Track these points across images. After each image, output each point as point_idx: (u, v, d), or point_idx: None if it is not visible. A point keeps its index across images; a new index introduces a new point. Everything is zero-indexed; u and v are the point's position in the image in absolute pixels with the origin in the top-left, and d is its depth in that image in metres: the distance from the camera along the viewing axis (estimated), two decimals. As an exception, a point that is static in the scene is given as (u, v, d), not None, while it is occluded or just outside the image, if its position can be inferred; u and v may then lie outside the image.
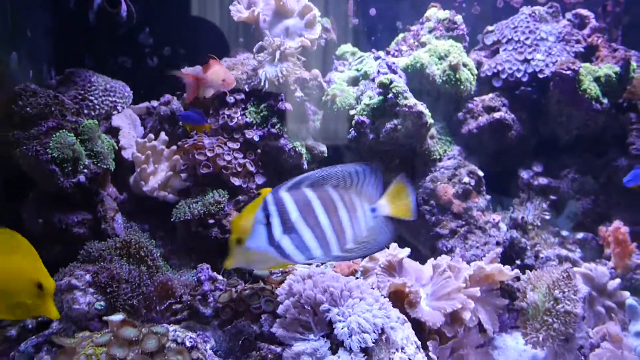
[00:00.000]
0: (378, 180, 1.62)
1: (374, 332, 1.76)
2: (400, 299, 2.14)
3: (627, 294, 2.45)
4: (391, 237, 1.56)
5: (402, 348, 1.92)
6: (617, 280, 2.44)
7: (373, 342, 1.76)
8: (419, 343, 2.01)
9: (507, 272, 2.22)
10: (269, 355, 2.00)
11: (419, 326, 2.11)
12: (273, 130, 2.68)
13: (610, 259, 2.68)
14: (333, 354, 1.76)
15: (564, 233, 2.85)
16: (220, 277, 2.29)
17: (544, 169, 2.98)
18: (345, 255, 1.54)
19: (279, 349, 1.98)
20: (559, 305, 2.07)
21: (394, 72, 2.76)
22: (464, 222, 2.66)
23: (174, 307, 2.23)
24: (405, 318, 2.04)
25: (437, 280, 2.25)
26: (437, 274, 2.26)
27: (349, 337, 1.73)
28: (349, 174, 1.57)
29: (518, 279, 2.28)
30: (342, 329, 1.73)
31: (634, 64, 2.97)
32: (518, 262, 2.40)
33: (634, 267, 2.63)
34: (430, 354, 2.07)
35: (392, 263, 2.26)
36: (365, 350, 1.75)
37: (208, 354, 1.85)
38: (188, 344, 1.80)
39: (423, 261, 2.39)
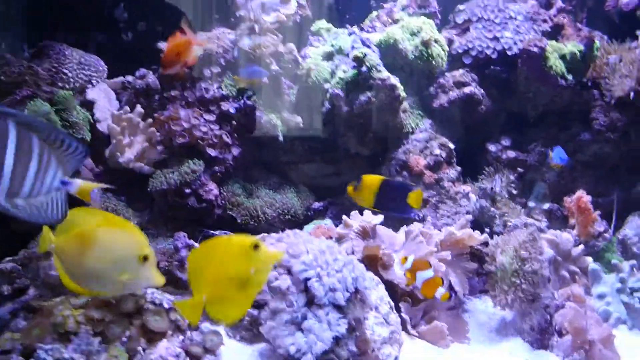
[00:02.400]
0: (79, 161, 1.55)
1: (347, 291, 1.78)
2: (374, 263, 2.17)
3: (589, 259, 2.52)
4: (61, 218, 1.50)
5: (376, 307, 1.95)
6: (581, 247, 2.51)
7: (347, 301, 1.78)
8: (393, 304, 2.04)
9: (477, 237, 2.26)
10: (246, 317, 2.01)
11: (392, 289, 2.15)
12: (249, 102, 2.68)
13: (574, 229, 2.74)
14: (309, 311, 1.77)
15: (531, 204, 2.91)
16: (197, 244, 2.29)
17: (512, 142, 3.03)
18: (5, 205, 1.40)
19: (255, 312, 1.99)
20: (526, 266, 2.12)
21: (368, 47, 2.78)
22: (435, 192, 2.70)
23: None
24: (379, 280, 2.07)
25: (409, 245, 2.28)
26: (409, 240, 2.29)
27: (324, 295, 1.74)
28: (61, 137, 1.49)
29: (487, 244, 2.32)
30: (317, 287, 1.75)
31: (597, 42, 3.03)
32: (487, 230, 2.44)
33: (596, 234, 2.70)
34: (402, 314, 2.11)
35: (366, 229, 2.29)
36: (339, 308, 1.77)
37: (186, 316, 1.84)
38: (166, 305, 1.80)
39: (397, 231, 2.41)
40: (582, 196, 2.63)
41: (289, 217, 2.69)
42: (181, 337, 1.81)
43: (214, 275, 1.36)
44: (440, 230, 2.32)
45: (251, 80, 2.67)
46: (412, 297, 2.18)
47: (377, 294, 1.98)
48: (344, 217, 2.36)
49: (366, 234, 2.29)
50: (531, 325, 2.17)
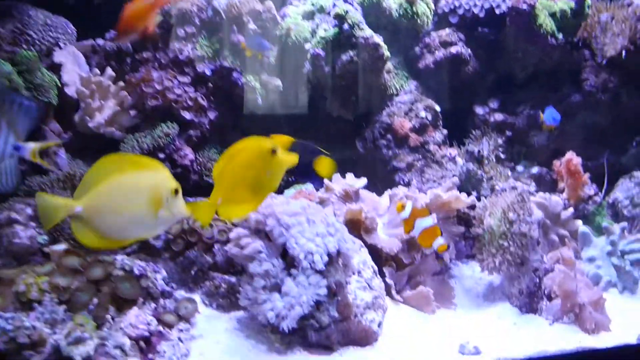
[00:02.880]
0: (33, 121, 1.50)
1: (328, 254, 1.71)
2: (357, 227, 2.10)
3: (579, 222, 2.47)
4: (14, 186, 1.45)
5: (359, 272, 1.89)
6: (570, 210, 2.45)
7: (328, 264, 1.71)
8: (376, 268, 1.98)
9: (464, 200, 2.20)
10: (223, 285, 1.94)
11: (376, 253, 2.08)
12: (225, 63, 2.57)
13: (564, 192, 2.69)
14: (288, 275, 1.71)
15: (519, 168, 2.85)
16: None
17: (500, 105, 2.95)
18: None
19: (233, 279, 1.92)
20: (514, 227, 2.06)
21: (350, 4, 2.67)
22: (420, 156, 2.62)
23: (123, 241, 2.13)
24: (362, 244, 2.00)
25: (394, 209, 2.20)
26: (394, 203, 2.22)
27: (304, 258, 1.67)
28: (10, 98, 1.43)
29: (474, 207, 2.26)
30: (296, 250, 1.68)
31: (588, 0, 2.94)
32: (474, 194, 2.37)
33: (586, 198, 2.64)
34: (387, 279, 2.05)
35: (349, 192, 2.21)
36: (320, 271, 1.70)
37: (159, 284, 1.77)
38: (137, 272, 1.72)
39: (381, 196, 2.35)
40: (572, 158, 2.57)
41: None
42: (153, 304, 1.73)
43: (233, 177, 1.46)
44: (425, 194, 2.24)
45: (255, 52, 2.60)
46: (397, 262, 2.12)
47: (359, 257, 1.92)
48: (326, 180, 2.28)
49: (349, 197, 2.21)
50: (520, 289, 2.12)
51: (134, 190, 1.42)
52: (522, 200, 2.08)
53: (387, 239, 2.11)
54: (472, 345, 1.81)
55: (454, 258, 2.27)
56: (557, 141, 2.93)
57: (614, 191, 2.72)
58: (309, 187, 2.50)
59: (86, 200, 1.42)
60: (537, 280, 2.09)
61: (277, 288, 1.70)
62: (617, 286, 2.31)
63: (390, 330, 1.90)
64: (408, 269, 2.13)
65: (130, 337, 1.59)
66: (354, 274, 1.87)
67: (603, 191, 2.71)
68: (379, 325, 1.86)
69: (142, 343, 1.62)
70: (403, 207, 1.86)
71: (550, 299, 2.09)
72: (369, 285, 1.88)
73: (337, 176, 2.32)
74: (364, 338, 1.79)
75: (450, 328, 2.00)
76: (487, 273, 2.19)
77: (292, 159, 1.53)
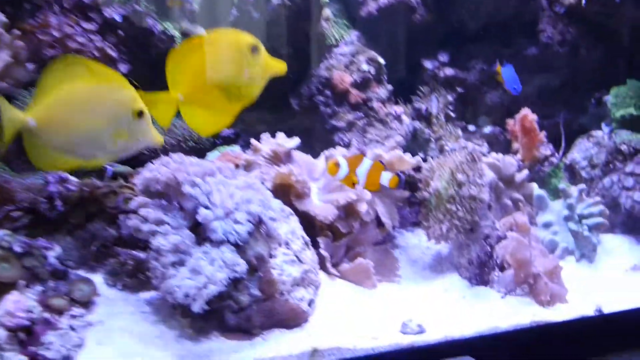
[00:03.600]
0: None
1: (248, 222, 1.51)
2: (287, 193, 1.91)
3: (534, 185, 2.37)
4: None
5: (287, 243, 1.71)
6: (525, 172, 2.35)
7: (248, 234, 1.51)
8: (308, 239, 1.81)
9: (408, 160, 2.04)
10: (129, 261, 1.73)
11: (309, 222, 1.91)
12: (138, 7, 2.31)
13: (518, 153, 2.56)
14: (200, 248, 1.50)
15: (471, 127, 2.72)
16: (73, 177, 1.95)
17: (450, 59, 2.79)
18: None
19: (142, 254, 1.71)
20: (463, 190, 1.91)
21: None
22: (362, 114, 2.45)
23: (13, 214, 1.87)
24: (292, 212, 1.82)
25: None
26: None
27: (217, 228, 1.47)
28: None
29: (420, 169, 2.10)
30: (208, 219, 1.48)
31: (546, -57, 2.79)
32: (421, 155, 2.22)
33: (542, 158, 2.52)
34: (321, 251, 1.88)
35: (278, 153, 2.02)
36: (237, 244, 1.50)
37: (50, 262, 1.54)
38: (18, 249, 1.49)
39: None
40: (527, 114, 2.43)
41: (192, 144, 2.38)
42: (40, 287, 1.50)
43: (197, 72, 1.33)
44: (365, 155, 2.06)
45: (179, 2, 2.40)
46: (333, 231, 1.95)
47: (288, 227, 1.74)
48: (253, 140, 2.08)
49: (278, 159, 2.02)
50: (469, 258, 1.99)
51: (92, 105, 1.34)
52: (472, 160, 1.93)
53: (322, 205, 1.93)
54: (415, 323, 1.66)
55: (398, 226, 2.11)
56: (511, 98, 2.78)
57: (571, 151, 2.63)
58: (236, 149, 2.29)
59: (40, 112, 1.32)
60: (488, 248, 1.96)
61: (187, 264, 1.49)
62: (574, 253, 2.24)
63: (323, 309, 1.74)
64: (346, 239, 1.97)
65: (5, 328, 1.37)
66: (280, 245, 1.69)
67: (560, 152, 2.60)
68: (310, 303, 1.69)
69: (21, 334, 1.39)
70: (337, 165, 1.66)
71: (502, 269, 1.98)
72: (298, 259, 1.71)
73: (266, 136, 2.11)
74: (292, 319, 1.63)
75: (393, 304, 1.86)
76: (434, 242, 2.06)
77: (279, 65, 1.39)
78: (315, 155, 2.21)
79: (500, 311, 1.83)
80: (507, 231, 2.05)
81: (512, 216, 2.10)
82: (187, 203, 1.51)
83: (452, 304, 1.90)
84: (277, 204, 1.69)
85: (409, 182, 2.09)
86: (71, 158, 1.38)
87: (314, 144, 2.41)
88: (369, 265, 1.90)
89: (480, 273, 1.99)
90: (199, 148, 2.44)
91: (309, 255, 1.78)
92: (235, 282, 1.52)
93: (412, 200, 2.16)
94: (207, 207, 1.49)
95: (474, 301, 1.91)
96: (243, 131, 2.59)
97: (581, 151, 2.57)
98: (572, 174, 2.58)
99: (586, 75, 2.80)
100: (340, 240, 1.96)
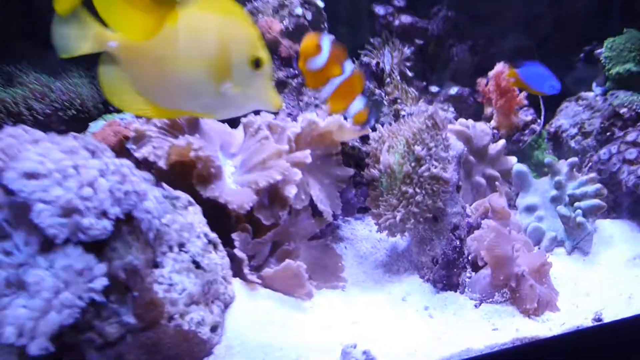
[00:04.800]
0: None
1: (107, 219, 1.11)
2: (187, 174, 1.53)
3: (513, 159, 2.14)
4: None
5: (181, 245, 1.34)
6: (501, 142, 2.14)
7: (112, 236, 1.12)
8: (215, 236, 1.45)
9: (351, 128, 1.66)
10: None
11: (220, 213, 1.55)
12: None
13: (492, 120, 2.24)
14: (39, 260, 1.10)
15: (433, 88, 2.41)
16: None
17: (407, 3, 2.50)
18: None
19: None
20: (423, 167, 1.56)
21: None
22: (296, 72, 2.09)
23: None
24: (190, 200, 1.43)
25: (249, 144, 1.67)
26: (249, 136, 1.67)
27: (60, 229, 1.07)
28: None
29: (367, 139, 1.76)
30: (44, 216, 1.06)
31: None
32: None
33: (521, 125, 2.23)
34: (236, 252, 1.51)
35: (176, 120, 1.62)
36: (96, 249, 1.10)
37: None
38: None
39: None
40: (503, 71, 2.10)
41: (73, 112, 1.97)
42: None
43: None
44: (296, 121, 1.69)
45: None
46: (254, 224, 1.59)
47: (182, 221, 1.35)
48: None
49: (178, 129, 1.62)
50: (433, 256, 1.68)
51: (195, 37, 1.12)
52: (434, 126, 1.57)
53: (237, 189, 1.56)
54: (360, 350, 1.31)
55: (341, 213, 1.78)
56: (482, 51, 2.48)
57: (556, 117, 2.43)
58: (126, 116, 1.89)
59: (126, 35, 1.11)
60: (457, 242, 1.66)
61: (21, 283, 1.09)
62: (564, 244, 1.97)
63: (235, 335, 1.36)
64: (271, 233, 1.61)
65: None
66: (170, 249, 1.29)
67: (542, 117, 2.28)
68: (215, 328, 1.33)
69: None
70: (318, 46, 1.37)
71: (475, 268, 1.68)
72: (197, 265, 1.34)
73: None
74: (187, 353, 1.26)
75: (334, 321, 1.52)
76: (388, 234, 1.71)
77: (274, 101, 1.16)
78: (236, 124, 1.82)
79: (473, 326, 1.53)
80: (481, 218, 1.75)
81: (487, 199, 1.81)
82: (19, 193, 1.10)
83: (411, 318, 1.57)
84: (158, 191, 1.29)
85: (353, 157, 1.74)
86: (155, 103, 1.15)
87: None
88: (301, 268, 1.54)
89: (448, 274, 1.67)
90: (82, 117, 2.03)
91: (216, 258, 1.41)
92: (96, 306, 1.12)
93: (358, 180, 1.85)
94: (45, 200, 1.07)
95: (439, 313, 1.59)
96: None
97: (569, 117, 2.36)
98: (558, 144, 2.35)
99: (574, 22, 2.59)
100: (263, 235, 1.59)
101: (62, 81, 2.07)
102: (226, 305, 1.42)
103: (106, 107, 2.15)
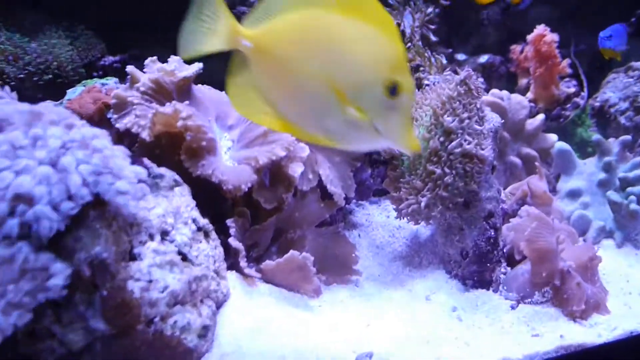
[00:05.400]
0: None
1: (67, 200, 0.95)
2: (176, 147, 1.37)
3: (553, 136, 2.01)
4: None
5: (164, 233, 1.20)
6: (540, 117, 2.00)
7: (72, 224, 0.96)
8: (206, 222, 1.31)
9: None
10: None
11: (216, 194, 1.41)
12: None
13: (528, 91, 2.09)
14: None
15: (460, 56, 2.24)
16: None
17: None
18: None
19: None
20: (454, 143, 1.39)
21: None
22: None
23: None
24: (177, 179, 1.28)
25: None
26: None
27: (7, 213, 0.90)
28: None
29: None
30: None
31: None
32: (391, 92, 1.70)
33: (563, 98, 2.07)
34: (231, 241, 1.36)
35: (164, 85, 1.46)
36: (53, 242, 0.94)
37: None
38: None
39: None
40: (545, 34, 1.94)
41: (50, 77, 1.81)
42: None
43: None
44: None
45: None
46: (253, 208, 1.44)
47: (166, 204, 1.19)
48: (130, 68, 1.53)
49: (165, 95, 1.46)
50: (462, 247, 1.52)
51: (326, 47, 1.01)
52: (467, 93, 1.40)
53: (233, 167, 1.40)
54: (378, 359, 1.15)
55: (355, 197, 1.63)
56: (519, 19, 2.30)
57: (602, 90, 2.28)
58: (110, 82, 1.72)
59: (262, 34, 1.05)
60: (492, 232, 1.50)
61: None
62: (614, 236, 1.83)
63: (228, 339, 1.20)
64: (273, 218, 1.46)
65: None
66: (151, 238, 1.14)
67: (584, 89, 2.11)
68: (204, 333, 1.17)
69: None
70: None
71: (512, 262, 1.53)
72: (184, 257, 1.19)
73: (152, 60, 1.56)
74: (169, 363, 1.08)
75: (344, 323, 1.35)
76: (409, 220, 1.55)
77: (412, 142, 1.01)
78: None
79: (509, 331, 1.37)
80: (518, 204, 1.63)
81: (525, 181, 1.72)
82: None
83: (435, 321, 1.40)
84: (136, 167, 1.12)
85: None
86: (285, 117, 1.07)
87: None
88: (307, 260, 1.38)
89: (480, 270, 1.52)
90: (61, 82, 1.87)
91: (207, 249, 1.26)
92: (56, 309, 0.96)
93: (374, 158, 1.72)
94: (-10, 177, 0.90)
95: (469, 315, 1.43)
96: (134, 58, 2.04)
97: (618, 89, 2.22)
98: (605, 120, 2.21)
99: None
100: (264, 221, 1.44)
101: (38, 42, 1.90)
102: (219, 305, 1.26)
103: (89, 72, 2.00)
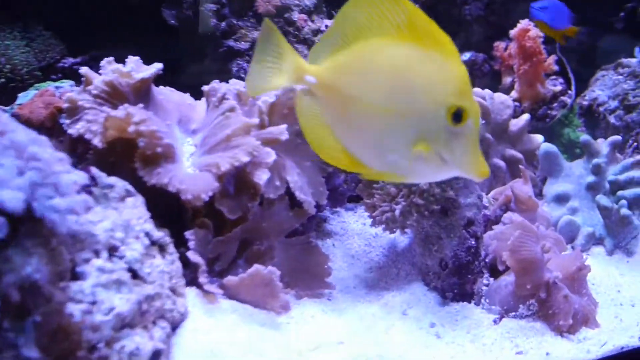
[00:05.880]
0: None
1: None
2: (130, 154, 1.30)
3: (539, 137, 1.99)
4: None
5: (112, 249, 1.12)
6: (525, 117, 1.96)
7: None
8: (161, 236, 1.24)
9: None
10: None
11: (175, 205, 1.33)
12: None
13: (512, 90, 2.07)
14: None
15: None
16: None
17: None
18: None
19: None
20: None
21: None
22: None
23: None
24: (131, 189, 1.20)
25: (211, 117, 1.46)
26: (212, 107, 1.46)
27: None
28: None
29: None
30: None
31: None
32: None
33: (549, 97, 2.04)
34: (191, 255, 1.28)
35: (118, 87, 1.38)
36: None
37: None
38: None
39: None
40: (529, 29, 1.91)
41: (2, 80, 1.75)
42: None
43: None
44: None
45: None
46: (215, 218, 1.35)
47: (115, 217, 1.12)
48: (84, 69, 1.47)
49: (121, 97, 1.38)
50: (441, 258, 1.44)
51: (384, 78, 1.02)
52: None
53: (194, 174, 1.32)
54: (347, 384, 1.07)
55: (327, 204, 1.58)
56: (501, 12, 2.26)
57: (590, 88, 2.23)
58: (65, 85, 1.65)
59: (326, 69, 1.08)
60: (472, 241, 1.44)
61: None
62: (604, 242, 1.79)
63: (185, 363, 1.12)
64: (238, 229, 1.38)
65: None
66: (96, 255, 1.07)
67: (572, 88, 2.08)
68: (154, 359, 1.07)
69: None
70: None
71: (495, 273, 1.47)
72: (134, 274, 1.11)
73: (108, 61, 1.49)
74: (114, 393, 1.00)
75: (314, 341, 1.28)
76: (385, 229, 1.49)
77: (481, 169, 1.02)
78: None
79: (491, 348, 1.30)
80: (501, 210, 1.59)
81: (509, 186, 1.65)
82: None
83: (412, 339, 1.32)
84: (77, 175, 1.04)
85: None
86: (353, 154, 1.09)
87: (204, 78, 1.83)
88: (273, 274, 1.30)
89: (460, 282, 1.44)
90: (14, 86, 1.80)
91: (162, 264, 1.18)
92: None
93: None
94: None
95: (449, 331, 1.36)
96: (96, 59, 1.97)
97: (607, 87, 2.17)
98: (594, 120, 2.16)
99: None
100: (228, 232, 1.36)
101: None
102: (175, 326, 1.18)
103: (47, 75, 1.93)
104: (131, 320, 1.05)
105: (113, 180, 1.19)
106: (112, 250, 1.10)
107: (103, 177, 1.18)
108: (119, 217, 1.14)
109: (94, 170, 1.18)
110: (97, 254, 1.06)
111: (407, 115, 1.01)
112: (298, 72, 1.10)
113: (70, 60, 1.99)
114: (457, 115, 0.97)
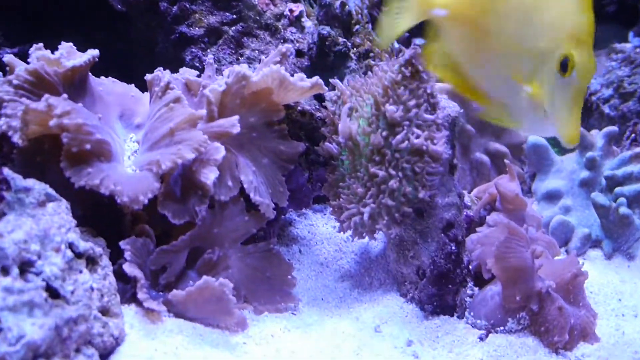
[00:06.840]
0: None
1: None
2: (57, 152, 1.17)
3: None
4: None
5: (27, 263, 1.00)
6: None
7: None
8: (88, 247, 1.13)
9: (299, 85, 1.31)
10: None
11: (112, 210, 1.22)
12: None
13: None
14: None
15: (419, 41, 2.04)
16: None
17: None
18: None
19: None
20: (398, 137, 1.24)
21: None
22: (235, 16, 1.75)
23: None
24: (52, 193, 1.09)
25: (154, 110, 1.35)
26: (155, 98, 1.35)
27: None
28: None
29: (322, 99, 1.47)
30: None
31: None
32: (335, 79, 1.53)
33: None
34: (127, 267, 1.16)
35: (45, 77, 1.24)
36: None
37: None
38: None
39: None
40: None
41: None
42: None
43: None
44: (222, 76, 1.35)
45: None
46: (163, 224, 1.24)
47: (30, 226, 1.00)
48: (9, 57, 1.38)
49: (49, 88, 1.25)
50: (418, 265, 1.35)
51: (510, 16, 1.07)
52: (414, 76, 1.26)
53: (131, 175, 1.21)
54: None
55: (288, 205, 1.45)
56: None
57: None
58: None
59: (459, 1, 1.15)
60: (452, 246, 1.35)
61: None
62: (601, 245, 1.74)
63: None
64: (186, 236, 1.26)
65: None
66: (4, 272, 0.96)
67: None
68: None
69: None
70: None
71: (480, 282, 1.40)
72: (53, 293, 0.99)
73: (37, 47, 1.39)
74: None
75: None
76: (351, 235, 1.38)
77: (572, 132, 1.06)
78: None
79: None
80: (485, 210, 1.54)
81: (493, 183, 1.57)
82: None
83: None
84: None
85: (305, 127, 1.42)
86: (476, 87, 1.18)
87: (153, 65, 1.70)
88: (225, 287, 1.17)
89: (440, 292, 1.35)
90: None
91: (89, 280, 1.07)
92: None
93: (312, 159, 1.53)
94: None
95: (428, 350, 1.27)
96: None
97: (599, 75, 2.17)
98: (587, 110, 2.16)
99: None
100: (176, 239, 1.24)
101: None
102: (106, 353, 1.04)
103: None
104: (47, 350, 0.92)
105: (30, 183, 1.06)
106: (26, 266, 0.96)
107: (17, 180, 1.04)
108: (36, 226, 1.00)
109: (6, 171, 1.04)
110: (5, 271, 0.93)
111: (529, 52, 1.04)
112: (423, 7, 1.17)
113: (7, 50, 1.86)
114: (564, 65, 1.00)
